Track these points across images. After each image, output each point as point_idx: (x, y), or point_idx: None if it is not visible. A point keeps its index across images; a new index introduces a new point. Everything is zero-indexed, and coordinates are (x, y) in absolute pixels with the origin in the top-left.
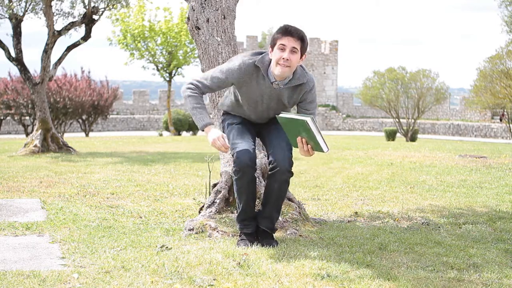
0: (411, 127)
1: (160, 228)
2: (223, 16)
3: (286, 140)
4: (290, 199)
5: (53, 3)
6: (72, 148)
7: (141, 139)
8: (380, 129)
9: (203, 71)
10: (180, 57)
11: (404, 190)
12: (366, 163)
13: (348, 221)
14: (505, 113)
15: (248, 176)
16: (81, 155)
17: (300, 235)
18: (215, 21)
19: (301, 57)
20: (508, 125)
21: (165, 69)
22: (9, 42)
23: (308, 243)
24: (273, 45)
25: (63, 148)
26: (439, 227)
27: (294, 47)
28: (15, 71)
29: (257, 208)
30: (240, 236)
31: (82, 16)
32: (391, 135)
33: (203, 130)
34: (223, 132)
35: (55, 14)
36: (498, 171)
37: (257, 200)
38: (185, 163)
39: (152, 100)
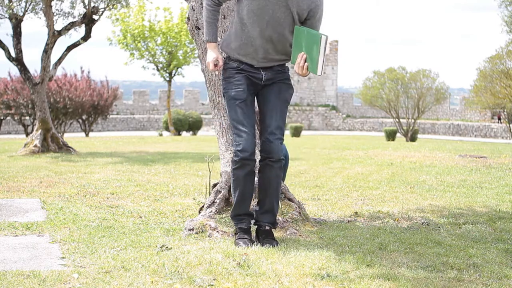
0: (411, 127)
1: (160, 228)
2: (223, 16)
3: (278, 120)
4: (290, 199)
5: (53, 3)
6: (72, 148)
7: (141, 139)
8: (380, 129)
9: (203, 71)
10: (180, 57)
11: (404, 190)
12: (366, 163)
13: (348, 221)
14: (500, 114)
15: (246, 168)
16: (81, 155)
17: (300, 235)
18: None
19: None
20: (508, 125)
21: (165, 69)
22: (9, 42)
23: (308, 243)
24: None
25: (63, 148)
26: (439, 227)
27: None
28: (15, 71)
29: (253, 208)
30: (236, 234)
31: (82, 16)
32: (391, 135)
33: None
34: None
35: (55, 14)
36: (498, 171)
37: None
38: (185, 163)
39: (152, 100)
